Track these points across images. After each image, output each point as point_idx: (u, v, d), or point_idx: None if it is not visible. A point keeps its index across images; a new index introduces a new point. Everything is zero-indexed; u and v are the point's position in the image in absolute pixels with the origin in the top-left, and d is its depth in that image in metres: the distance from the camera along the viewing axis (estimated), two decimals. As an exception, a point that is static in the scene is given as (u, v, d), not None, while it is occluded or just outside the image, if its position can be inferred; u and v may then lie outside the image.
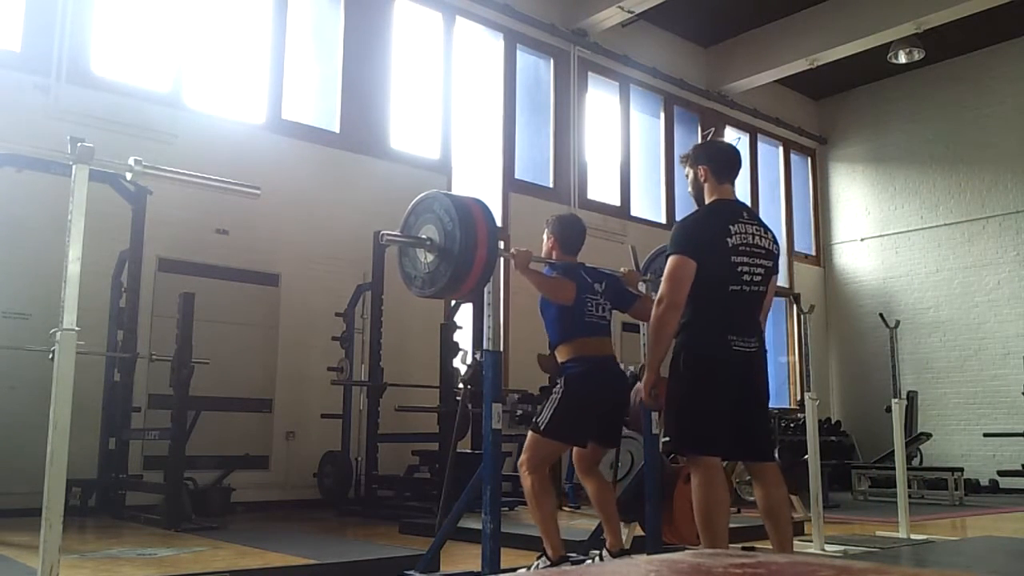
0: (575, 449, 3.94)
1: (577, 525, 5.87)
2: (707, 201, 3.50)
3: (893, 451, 6.31)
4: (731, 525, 3.95)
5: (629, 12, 10.21)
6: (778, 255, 3.51)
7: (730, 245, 3.31)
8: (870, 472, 9.91)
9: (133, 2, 7.83)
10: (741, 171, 3.69)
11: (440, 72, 9.58)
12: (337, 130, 8.63)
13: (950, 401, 11.95)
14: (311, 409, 7.74)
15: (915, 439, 10.48)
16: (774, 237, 3.49)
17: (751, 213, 3.49)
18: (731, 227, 3.34)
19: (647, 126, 11.99)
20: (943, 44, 11.48)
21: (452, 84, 9.63)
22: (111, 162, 3.10)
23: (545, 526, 3.75)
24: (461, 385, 6.77)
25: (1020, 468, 10.24)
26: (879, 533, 5.80)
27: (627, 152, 11.36)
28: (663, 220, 11.53)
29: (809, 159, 14.13)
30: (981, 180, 12.19)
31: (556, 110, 10.58)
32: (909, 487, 6.42)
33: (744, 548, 4.46)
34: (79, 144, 2.87)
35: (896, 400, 5.90)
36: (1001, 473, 10.56)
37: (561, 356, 3.89)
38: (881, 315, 6.61)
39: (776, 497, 3.38)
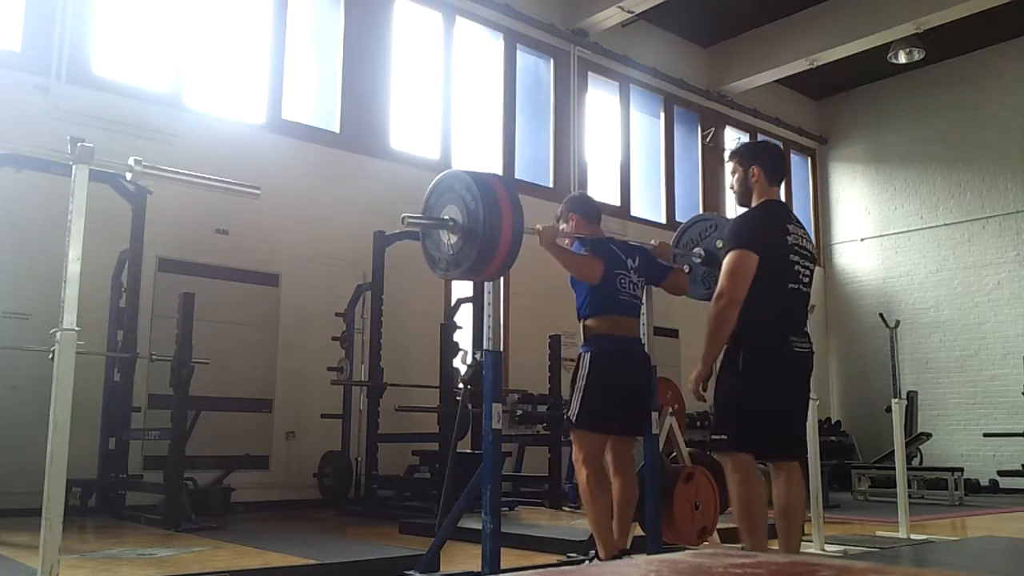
0: (608, 442, 3.86)
1: (577, 525, 5.87)
2: (755, 202, 3.48)
3: (893, 451, 6.32)
4: (729, 525, 3.97)
5: (629, 12, 10.21)
6: (816, 262, 3.55)
7: (788, 243, 3.33)
8: (870, 472, 9.91)
9: (133, 2, 7.83)
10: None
11: (440, 72, 9.58)
12: (337, 130, 8.63)
13: (950, 401, 11.95)
14: (311, 409, 7.73)
15: (915, 439, 10.48)
16: (813, 243, 3.54)
17: (797, 217, 3.53)
18: (788, 226, 3.37)
19: (647, 126, 11.99)
20: (943, 44, 11.47)
21: (452, 84, 9.63)
22: (111, 162, 3.10)
23: (596, 523, 3.70)
24: (461, 385, 6.77)
25: (1020, 468, 10.25)
26: (879, 533, 5.80)
27: (627, 152, 11.36)
28: (663, 220, 11.53)
29: (809, 159, 14.13)
30: (981, 180, 12.19)
31: (556, 110, 10.58)
32: (909, 487, 6.42)
33: (744, 548, 4.46)
34: (79, 144, 2.88)
35: (896, 400, 5.90)
36: (1001, 473, 10.56)
37: (588, 330, 3.84)
38: (881, 315, 6.61)
39: (798, 499, 3.37)
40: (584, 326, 3.89)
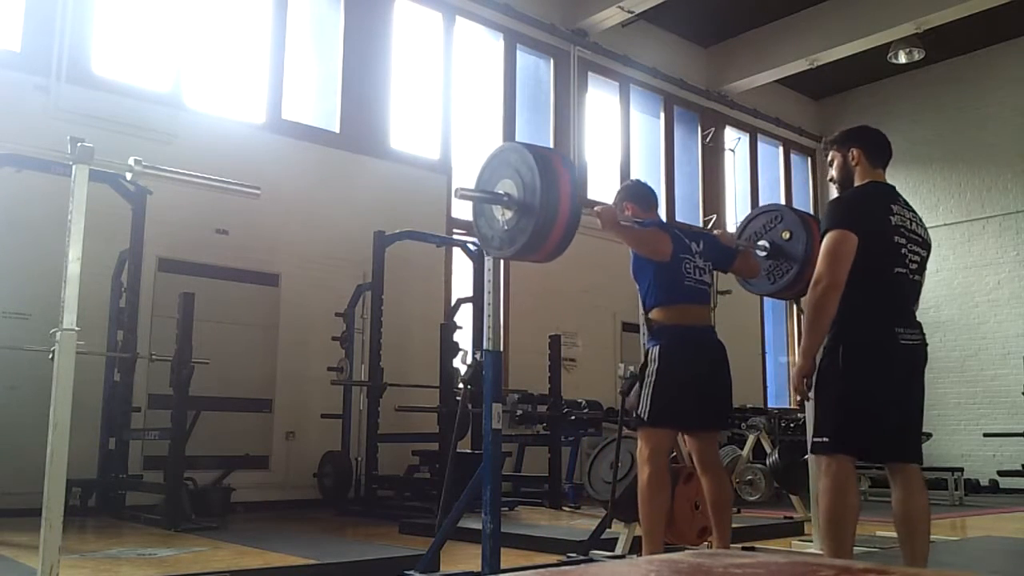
0: (687, 440, 3.73)
1: (577, 525, 5.87)
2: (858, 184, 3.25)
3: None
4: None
5: (629, 12, 10.20)
6: (931, 247, 3.25)
7: (893, 224, 3.09)
8: (870, 472, 9.90)
9: (133, 2, 7.83)
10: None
11: (440, 72, 9.58)
12: (337, 130, 8.63)
13: (950, 401, 11.94)
14: (311, 409, 7.74)
15: (915, 439, 10.46)
16: (926, 228, 3.27)
17: (906, 201, 3.27)
18: (892, 206, 3.13)
19: (647, 126, 11.99)
20: (943, 44, 11.47)
21: (452, 84, 9.63)
22: (111, 162, 3.10)
23: (648, 524, 3.58)
24: (461, 385, 6.77)
25: (1020, 468, 10.24)
26: (879, 533, 5.79)
27: (627, 152, 11.35)
28: (663, 220, 11.52)
29: (809, 159, 14.12)
30: (981, 180, 12.19)
31: (556, 110, 10.58)
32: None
33: (744, 548, 4.46)
34: (79, 144, 2.88)
35: (896, 400, 5.89)
36: (1001, 473, 10.56)
37: (654, 322, 3.68)
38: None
39: (918, 504, 3.09)
40: (649, 319, 3.72)
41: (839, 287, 2.99)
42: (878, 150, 3.33)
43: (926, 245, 3.22)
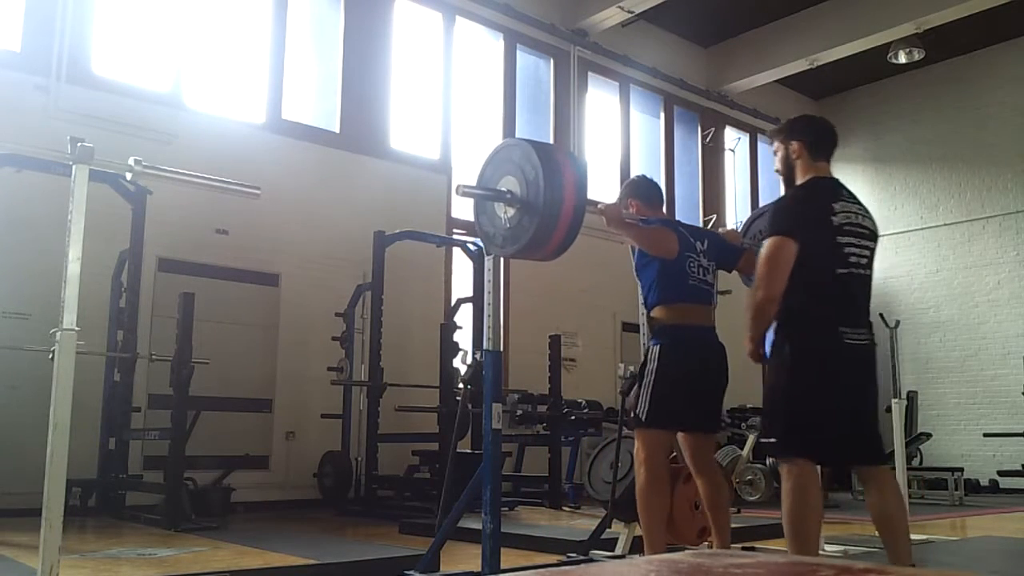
0: (683, 441, 3.69)
1: (577, 525, 5.87)
2: (800, 180, 3.22)
3: (893, 451, 6.31)
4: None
5: (629, 12, 10.21)
6: (878, 237, 3.21)
7: (835, 224, 3.04)
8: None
9: (133, 2, 7.83)
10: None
11: (440, 72, 9.58)
12: (337, 130, 8.63)
13: (950, 401, 11.94)
14: (311, 409, 7.74)
15: (915, 439, 10.46)
16: (873, 218, 3.22)
17: (850, 192, 3.22)
18: (834, 205, 3.08)
19: (647, 126, 11.99)
20: (943, 44, 11.47)
21: (452, 84, 9.63)
22: (111, 162, 3.10)
23: (648, 526, 3.56)
24: (461, 385, 6.77)
25: (1020, 468, 10.24)
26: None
27: (627, 152, 11.35)
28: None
29: (809, 159, 14.10)
30: (981, 180, 12.18)
31: (556, 110, 10.58)
32: (909, 487, 6.43)
33: (744, 548, 4.46)
34: (79, 144, 2.88)
35: (896, 400, 5.90)
36: (1001, 473, 10.56)
37: (656, 321, 3.65)
38: (881, 315, 6.60)
39: (892, 504, 3.05)
40: (651, 317, 3.68)
41: (775, 299, 3.00)
42: (821, 142, 3.27)
43: (873, 236, 3.17)
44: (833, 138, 3.31)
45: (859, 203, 3.20)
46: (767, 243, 3.04)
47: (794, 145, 3.25)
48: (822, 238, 3.03)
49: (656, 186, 3.97)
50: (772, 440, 3.07)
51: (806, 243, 3.00)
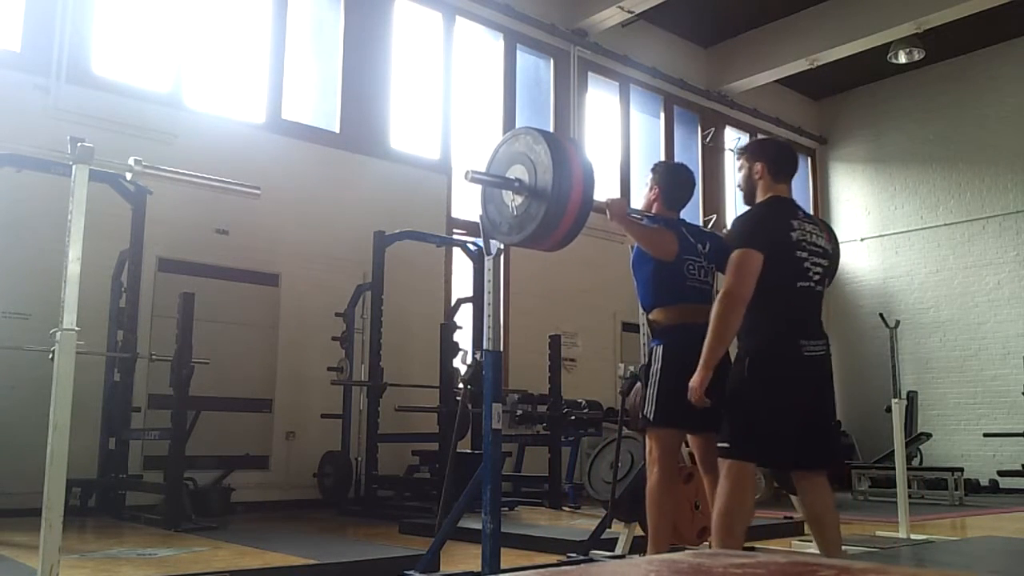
0: (690, 440, 3.70)
1: (577, 525, 5.88)
2: (760, 199, 3.39)
3: (893, 451, 6.31)
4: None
5: (629, 12, 10.21)
6: (837, 257, 3.35)
7: (793, 240, 3.20)
8: (870, 472, 9.91)
9: (133, 2, 7.83)
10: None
11: (440, 72, 9.58)
12: (337, 130, 8.63)
13: (950, 401, 11.94)
14: (311, 409, 7.74)
15: (915, 439, 10.48)
16: (834, 236, 3.36)
17: (807, 213, 3.41)
18: (792, 222, 3.26)
19: (647, 126, 11.99)
20: (943, 44, 11.47)
21: (452, 84, 9.63)
22: (111, 162, 3.10)
23: (655, 525, 3.57)
24: (461, 385, 6.77)
25: (1020, 468, 10.24)
26: (879, 533, 5.80)
27: (627, 152, 11.36)
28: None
29: (809, 159, 14.12)
30: (981, 180, 12.19)
31: (556, 110, 10.58)
32: (909, 487, 6.42)
33: (744, 548, 4.46)
34: (79, 144, 2.88)
35: (896, 400, 5.90)
36: (1001, 473, 10.56)
37: (656, 323, 3.67)
38: (881, 315, 6.60)
39: (822, 503, 3.25)
40: (651, 320, 3.71)
41: (745, 300, 3.13)
42: (782, 166, 3.46)
43: (827, 255, 3.34)
44: (794, 165, 3.52)
45: (815, 223, 3.39)
46: (735, 254, 3.19)
47: (758, 166, 3.43)
48: (782, 252, 3.19)
49: (687, 185, 3.99)
50: (726, 445, 3.20)
51: (768, 256, 3.15)
